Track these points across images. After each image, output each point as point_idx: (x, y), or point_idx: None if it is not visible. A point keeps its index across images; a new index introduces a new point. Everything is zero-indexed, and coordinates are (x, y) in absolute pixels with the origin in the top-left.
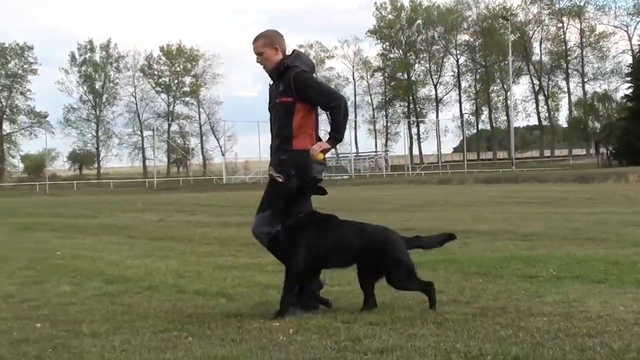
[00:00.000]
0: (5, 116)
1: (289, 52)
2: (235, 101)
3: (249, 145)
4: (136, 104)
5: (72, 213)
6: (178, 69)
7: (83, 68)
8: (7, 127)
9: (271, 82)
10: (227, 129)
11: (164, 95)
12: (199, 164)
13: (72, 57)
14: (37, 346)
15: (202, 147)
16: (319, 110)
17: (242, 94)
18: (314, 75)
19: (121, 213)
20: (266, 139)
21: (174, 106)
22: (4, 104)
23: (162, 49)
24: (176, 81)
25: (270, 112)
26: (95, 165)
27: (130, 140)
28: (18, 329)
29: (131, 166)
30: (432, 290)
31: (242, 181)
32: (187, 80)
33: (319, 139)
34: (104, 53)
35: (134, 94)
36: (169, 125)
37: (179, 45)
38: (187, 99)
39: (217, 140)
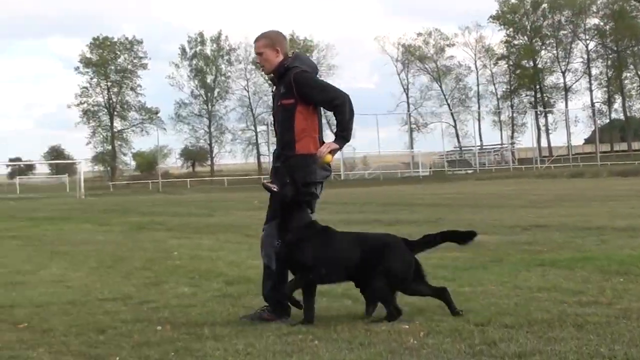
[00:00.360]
0: (115, 113)
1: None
2: (351, 93)
3: (367, 139)
4: (249, 98)
5: (186, 212)
6: None
7: (194, 62)
8: (118, 124)
9: (274, 88)
10: None
11: None
12: None
13: (183, 50)
14: (158, 349)
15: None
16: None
17: (358, 85)
18: (317, 75)
19: (237, 211)
20: (386, 132)
21: None
22: (114, 100)
23: None
24: None
25: (273, 117)
26: (209, 162)
27: (244, 136)
28: (139, 331)
29: (245, 162)
30: (394, 315)
31: (361, 177)
32: None
33: (323, 143)
34: (214, 46)
35: (246, 88)
36: None
37: (292, 36)
38: None
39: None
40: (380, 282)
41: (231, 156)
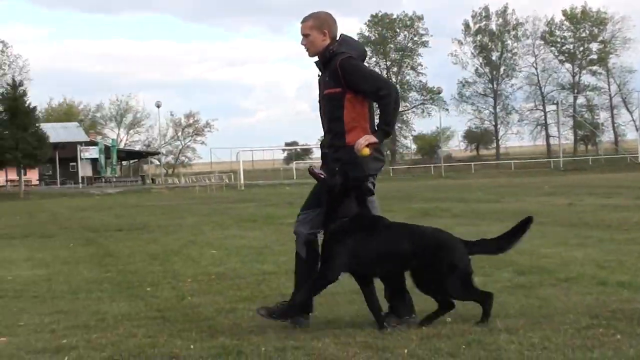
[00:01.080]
0: None
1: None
2: None
3: None
4: (537, 76)
5: (472, 197)
6: (583, 34)
7: (478, 38)
8: None
9: (319, 73)
10: None
11: (568, 65)
12: (610, 141)
13: (466, 26)
14: (449, 342)
15: (612, 122)
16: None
17: None
18: (364, 62)
19: (526, 197)
20: None
21: (579, 77)
22: (394, 80)
23: (564, 12)
24: (581, 48)
25: (319, 104)
26: (494, 145)
27: (532, 116)
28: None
29: (533, 145)
30: (489, 302)
31: None
32: (594, 46)
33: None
34: (500, 20)
35: (534, 65)
36: (575, 99)
37: (584, 7)
38: (595, 68)
39: (630, 114)
40: (451, 279)
41: (518, 138)
